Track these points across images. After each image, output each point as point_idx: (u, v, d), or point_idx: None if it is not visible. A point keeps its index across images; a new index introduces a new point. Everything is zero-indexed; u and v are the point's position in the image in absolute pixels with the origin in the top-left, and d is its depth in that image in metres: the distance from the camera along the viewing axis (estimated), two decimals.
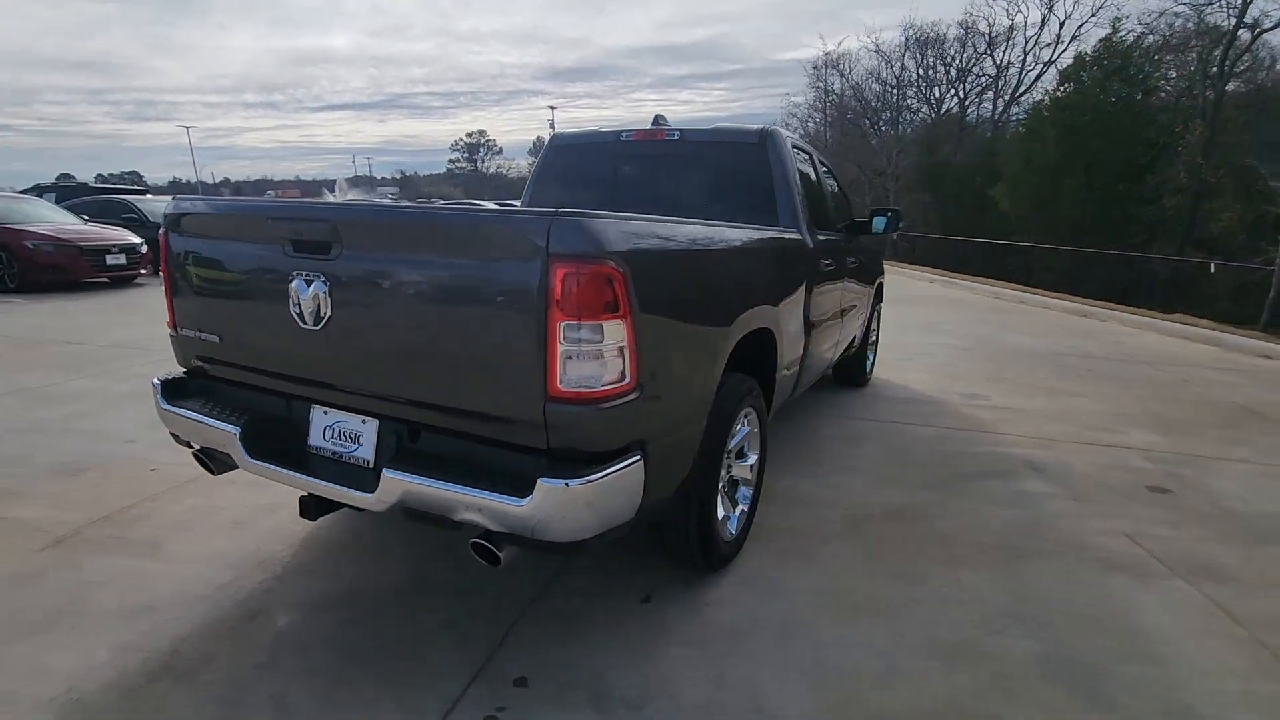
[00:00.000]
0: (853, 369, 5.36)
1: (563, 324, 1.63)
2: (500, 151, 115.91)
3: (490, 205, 4.47)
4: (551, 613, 2.35)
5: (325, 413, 2.11)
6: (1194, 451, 4.21)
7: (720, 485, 2.46)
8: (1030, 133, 20.96)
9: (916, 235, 22.05)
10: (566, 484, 1.68)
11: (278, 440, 2.14)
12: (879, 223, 4.62)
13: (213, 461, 2.28)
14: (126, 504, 3.06)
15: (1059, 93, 20.41)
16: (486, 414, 1.80)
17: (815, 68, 32.28)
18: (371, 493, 1.85)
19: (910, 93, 31.35)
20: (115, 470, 3.42)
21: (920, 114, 31.63)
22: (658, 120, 3.67)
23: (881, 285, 5.64)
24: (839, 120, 32.55)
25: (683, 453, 2.14)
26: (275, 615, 2.29)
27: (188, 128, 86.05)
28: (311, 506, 2.12)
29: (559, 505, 1.68)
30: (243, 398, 2.28)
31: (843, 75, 30.91)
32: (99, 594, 2.39)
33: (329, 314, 1.92)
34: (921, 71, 31.02)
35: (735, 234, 2.40)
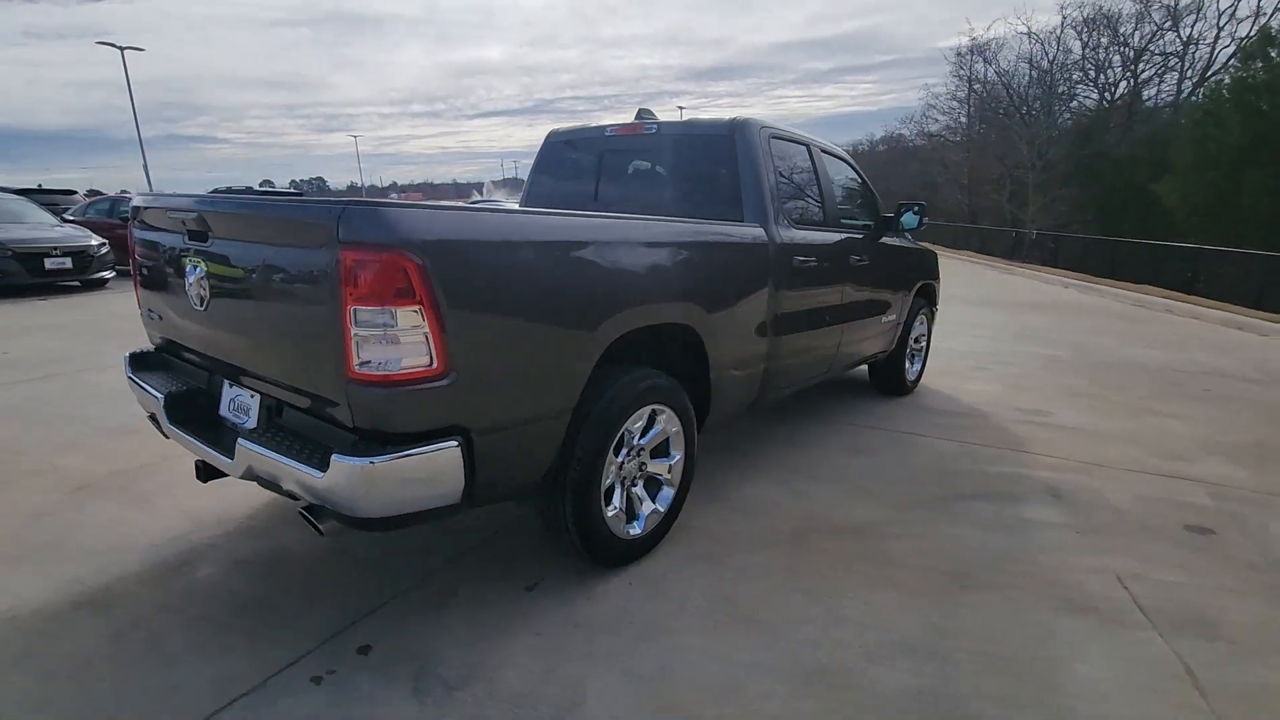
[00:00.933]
0: (888, 375, 5.01)
1: (353, 308, 1.71)
2: None
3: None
4: (434, 590, 2.44)
5: (230, 386, 2.33)
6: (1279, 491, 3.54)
7: (609, 482, 2.42)
8: (1206, 117, 18.18)
9: (1060, 235, 19.91)
10: (369, 461, 1.75)
11: (197, 410, 2.39)
12: (910, 220, 4.30)
13: (159, 426, 2.59)
14: (148, 461, 3.52)
15: (1242, 72, 17.53)
16: (313, 393, 1.92)
17: (959, 54, 30.06)
18: (232, 460, 2.03)
19: (1074, 76, 28.24)
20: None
21: (1078, 100, 28.45)
22: (641, 114, 3.65)
23: (929, 288, 5.21)
24: (985, 110, 30.10)
25: (537, 444, 2.14)
26: (202, 567, 2.56)
27: (355, 137, 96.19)
28: (201, 469, 2.35)
29: (356, 481, 1.75)
30: (183, 370, 2.57)
31: (987, 62, 28.52)
32: (81, 533, 2.78)
33: (208, 296, 2.13)
34: (1087, 53, 27.89)
35: (603, 226, 2.32)
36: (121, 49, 27.23)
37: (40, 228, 10.23)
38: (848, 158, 4.34)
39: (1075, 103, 28.35)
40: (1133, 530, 3.06)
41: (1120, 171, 21.99)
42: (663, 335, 2.62)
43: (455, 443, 1.87)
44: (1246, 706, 1.97)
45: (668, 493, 2.75)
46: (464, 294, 1.83)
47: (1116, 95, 27.79)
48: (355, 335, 1.72)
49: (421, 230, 1.76)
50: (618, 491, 2.52)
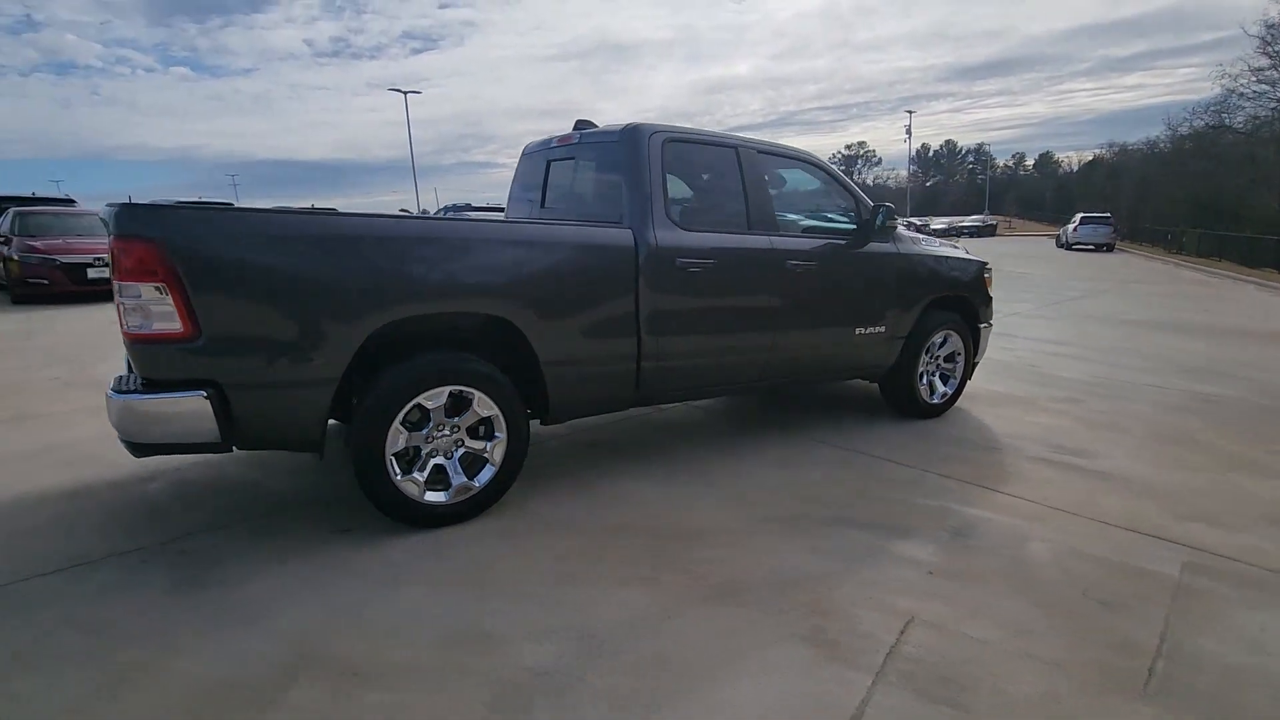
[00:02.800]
0: (896, 393, 4.57)
1: (118, 283, 2.30)
2: (879, 162, 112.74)
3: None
4: (266, 520, 2.99)
5: None
6: None
7: (397, 448, 2.74)
8: None
9: None
10: (124, 398, 2.35)
11: None
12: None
13: None
14: None
15: None
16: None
17: (1270, 27, 24.18)
18: None
19: None
20: None
21: None
22: (578, 125, 3.89)
23: (960, 301, 4.62)
24: None
25: (300, 405, 2.56)
26: (156, 482, 3.41)
27: None
28: None
29: (120, 413, 2.36)
30: None
31: None
32: (114, 451, 3.80)
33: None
34: None
35: (358, 224, 2.59)
36: (404, 93, 33.39)
37: None
38: (820, 162, 4.12)
39: None
40: (1009, 585, 2.60)
41: None
42: (478, 326, 2.89)
43: (204, 393, 2.38)
44: None
45: (489, 471, 3.00)
46: (208, 276, 2.33)
47: None
48: (121, 304, 2.32)
49: (168, 226, 2.29)
50: (421, 460, 2.85)
